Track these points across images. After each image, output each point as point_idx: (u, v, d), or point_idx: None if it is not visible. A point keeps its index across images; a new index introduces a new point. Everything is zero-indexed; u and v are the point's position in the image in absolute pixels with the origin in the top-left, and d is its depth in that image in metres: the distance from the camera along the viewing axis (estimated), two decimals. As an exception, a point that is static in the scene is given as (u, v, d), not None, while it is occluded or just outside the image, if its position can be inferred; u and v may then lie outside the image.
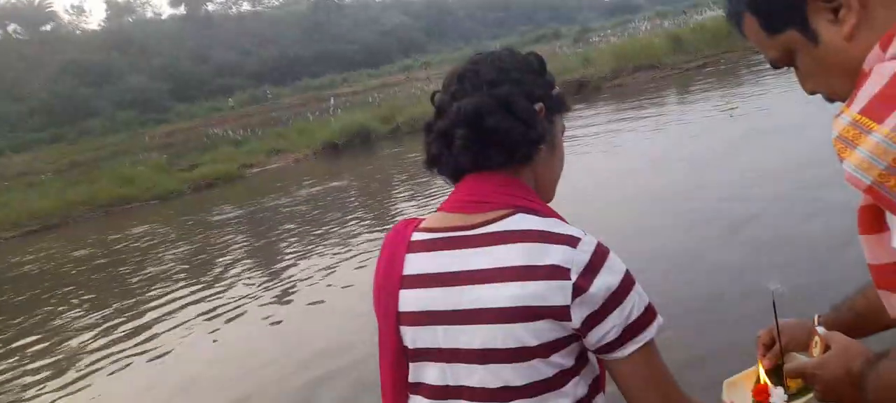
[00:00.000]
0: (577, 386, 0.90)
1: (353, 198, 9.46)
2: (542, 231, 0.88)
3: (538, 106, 0.96)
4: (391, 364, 0.98)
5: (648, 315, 0.87)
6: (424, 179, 9.18)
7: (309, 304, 5.11)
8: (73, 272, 8.10)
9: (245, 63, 49.16)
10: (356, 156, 14.38)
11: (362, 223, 7.48)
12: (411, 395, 0.97)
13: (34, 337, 5.63)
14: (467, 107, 0.93)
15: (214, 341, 4.71)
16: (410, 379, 0.97)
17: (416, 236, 0.98)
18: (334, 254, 6.17)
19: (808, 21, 0.73)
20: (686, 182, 5.94)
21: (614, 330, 0.85)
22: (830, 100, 0.77)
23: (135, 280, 7.02)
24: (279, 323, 4.82)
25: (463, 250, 0.92)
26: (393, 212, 7.74)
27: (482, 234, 0.91)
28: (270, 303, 5.22)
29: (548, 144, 0.98)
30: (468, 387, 0.90)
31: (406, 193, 8.65)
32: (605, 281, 0.85)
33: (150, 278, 6.91)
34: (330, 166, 13.79)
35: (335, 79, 39.27)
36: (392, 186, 9.57)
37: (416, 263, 0.95)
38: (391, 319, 0.96)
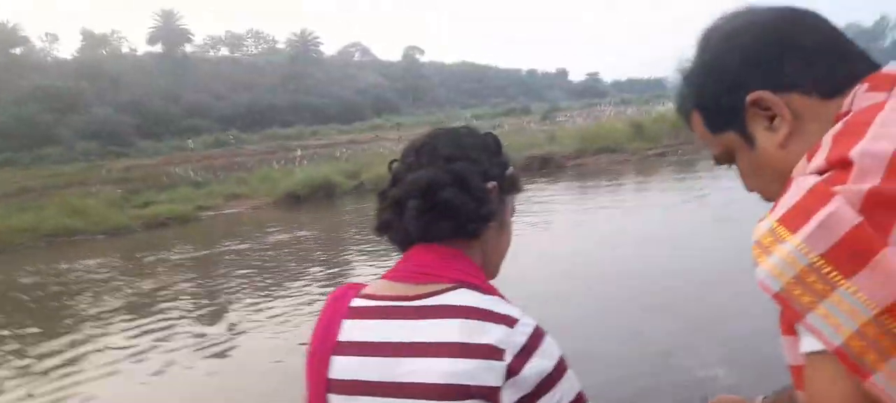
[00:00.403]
0: None
1: (305, 251, 9.35)
2: (482, 309, 0.88)
3: (491, 184, 0.99)
4: None
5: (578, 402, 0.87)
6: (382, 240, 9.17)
7: (244, 355, 4.97)
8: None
9: (216, 106, 48.95)
10: (318, 208, 14.30)
11: (314, 278, 7.37)
12: None
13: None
14: (422, 178, 0.95)
15: (142, 384, 4.52)
16: None
17: (357, 302, 0.97)
18: (271, 308, 6.04)
19: (746, 125, 0.77)
20: (628, 260, 6.06)
21: None
22: (767, 200, 0.79)
23: (68, 314, 6.74)
24: (213, 374, 4.66)
25: (402, 321, 0.91)
26: (347, 270, 7.67)
27: (423, 306, 0.91)
28: (208, 351, 5.05)
29: (497, 222, 1.00)
30: None
31: (363, 251, 8.60)
32: (539, 364, 0.85)
33: (84, 315, 6.64)
34: (288, 216, 13.66)
35: (304, 131, 39.26)
36: (350, 242, 9.50)
37: (352, 330, 0.94)
38: (321, 386, 0.93)
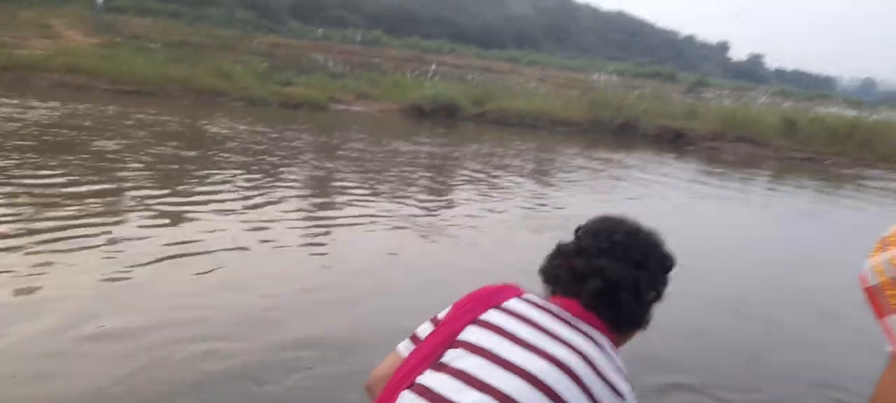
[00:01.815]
0: None
1: (413, 169, 9.59)
2: (615, 364, 1.08)
3: (653, 297, 1.19)
4: (429, 351, 1.07)
5: None
6: (496, 175, 9.21)
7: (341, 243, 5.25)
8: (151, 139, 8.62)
9: (365, 3, 50.10)
10: (438, 126, 14.52)
11: (412, 198, 7.59)
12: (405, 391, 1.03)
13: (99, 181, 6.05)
14: (613, 274, 1.13)
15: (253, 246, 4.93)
16: (419, 380, 1.03)
17: (525, 298, 1.15)
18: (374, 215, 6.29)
19: None
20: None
21: None
22: None
23: (199, 168, 7.40)
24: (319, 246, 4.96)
25: (555, 324, 1.09)
26: (449, 195, 7.83)
27: (574, 325, 1.10)
28: (311, 231, 5.39)
29: (642, 326, 1.20)
30: None
31: (470, 183, 8.70)
32: None
33: (214, 174, 7.26)
34: (410, 127, 14.00)
35: (443, 46, 39.47)
36: (458, 171, 9.63)
37: (514, 308, 1.11)
38: (463, 321, 1.09)
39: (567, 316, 1.11)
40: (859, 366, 3.59)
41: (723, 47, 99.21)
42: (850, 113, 22.57)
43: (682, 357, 3.65)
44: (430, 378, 1.01)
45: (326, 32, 36.81)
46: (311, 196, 6.78)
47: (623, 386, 1.04)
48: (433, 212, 6.53)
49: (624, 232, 1.19)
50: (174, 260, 4.32)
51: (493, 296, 1.13)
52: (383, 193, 7.16)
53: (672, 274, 1.23)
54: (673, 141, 15.88)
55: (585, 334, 1.08)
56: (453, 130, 14.25)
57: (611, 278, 1.13)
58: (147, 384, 2.81)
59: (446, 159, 10.20)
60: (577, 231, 1.25)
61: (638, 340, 1.24)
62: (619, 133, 16.35)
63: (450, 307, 1.16)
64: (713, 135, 16.20)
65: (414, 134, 12.74)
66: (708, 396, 3.26)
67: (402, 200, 6.89)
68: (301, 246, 4.97)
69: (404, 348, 1.15)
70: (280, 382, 2.94)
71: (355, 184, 7.39)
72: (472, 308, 1.11)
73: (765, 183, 11.88)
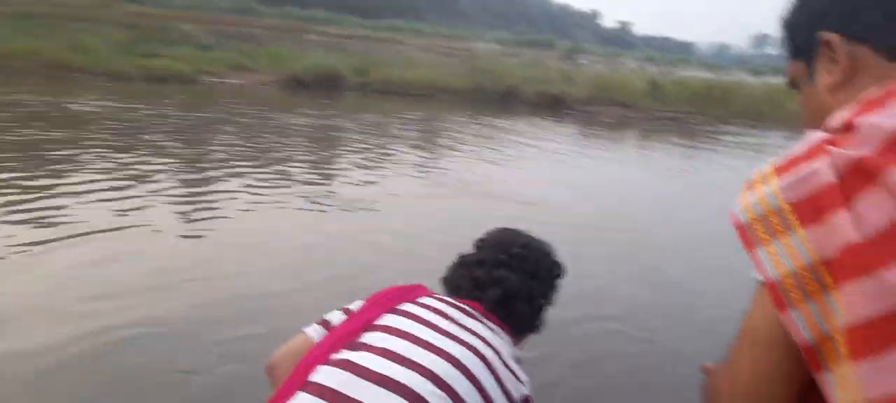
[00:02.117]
0: None
1: (294, 142, 9.27)
2: (515, 358, 1.19)
3: (544, 304, 1.32)
4: (332, 343, 1.09)
5: None
6: (379, 146, 9.10)
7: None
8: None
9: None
10: (320, 97, 14.12)
11: (298, 169, 7.33)
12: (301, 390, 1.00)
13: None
14: (511, 285, 1.26)
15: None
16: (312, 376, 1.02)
17: (436, 296, 1.24)
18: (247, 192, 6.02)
19: (814, 61, 0.83)
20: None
21: None
22: None
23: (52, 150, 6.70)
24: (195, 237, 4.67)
25: (465, 318, 1.18)
26: (336, 168, 7.64)
27: (481, 321, 1.20)
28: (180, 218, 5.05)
29: (535, 331, 1.34)
30: None
31: (350, 157, 8.53)
32: None
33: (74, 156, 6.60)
34: (290, 98, 13.50)
35: (320, 16, 38.29)
36: (340, 143, 9.42)
37: (428, 302, 1.19)
38: (380, 310, 1.14)
39: (475, 313, 1.20)
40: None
41: (594, 15, 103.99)
42: (708, 75, 24.51)
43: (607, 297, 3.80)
44: (351, 355, 1.03)
45: (194, 1, 34.50)
46: (193, 174, 6.35)
47: (523, 376, 1.15)
48: (329, 185, 6.34)
49: (520, 245, 1.31)
50: (46, 246, 3.91)
51: (409, 293, 1.22)
52: (275, 169, 6.85)
53: (560, 282, 1.35)
54: (552, 106, 16.47)
55: (491, 329, 1.19)
56: (337, 101, 13.91)
57: (509, 288, 1.24)
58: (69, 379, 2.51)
59: (338, 131, 9.95)
60: (477, 242, 1.36)
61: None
62: (502, 100, 16.71)
63: (362, 301, 1.22)
64: (588, 99, 16.98)
65: (296, 105, 12.31)
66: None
67: (294, 176, 6.63)
68: (183, 230, 4.64)
69: (314, 332, 1.20)
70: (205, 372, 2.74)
71: (244, 160, 7.01)
72: (388, 300, 1.19)
73: (634, 142, 12.66)
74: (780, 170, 0.71)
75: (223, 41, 19.69)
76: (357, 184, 6.45)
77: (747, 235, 0.71)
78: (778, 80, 18.43)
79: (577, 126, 13.88)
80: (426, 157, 8.44)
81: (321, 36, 23.81)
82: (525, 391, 1.13)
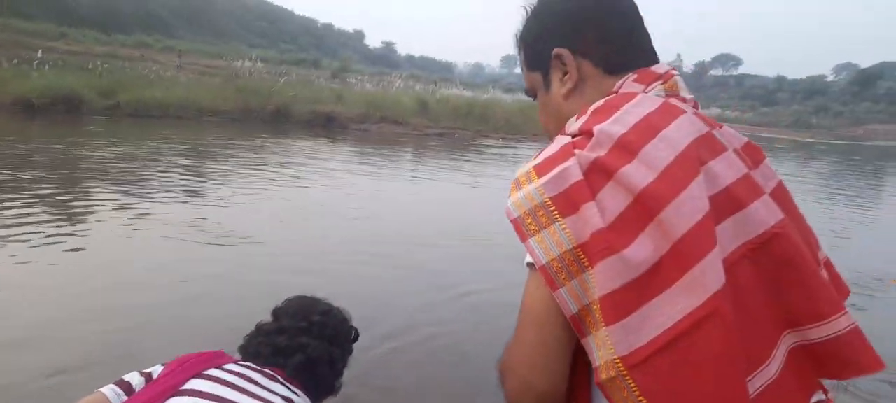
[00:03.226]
0: None
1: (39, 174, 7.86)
2: None
3: (342, 367, 1.40)
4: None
5: None
6: (144, 178, 8.14)
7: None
8: None
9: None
10: (56, 124, 12.22)
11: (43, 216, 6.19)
12: None
13: None
14: (314, 351, 1.30)
15: None
16: None
17: (240, 362, 1.27)
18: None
19: (549, 72, 0.97)
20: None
21: None
22: (549, 137, 0.95)
23: None
24: None
25: (270, 382, 1.23)
26: (90, 208, 6.59)
27: (285, 384, 1.24)
28: None
29: (333, 392, 1.40)
30: None
31: (116, 182, 7.46)
32: None
33: None
34: (22, 126, 11.46)
35: (50, 30, 33.24)
36: (88, 172, 8.20)
37: (233, 368, 1.22)
38: (186, 375, 1.16)
39: (278, 378, 1.25)
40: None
41: (360, 35, 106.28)
42: (467, 93, 26.44)
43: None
44: None
45: None
46: None
47: None
48: (66, 231, 5.40)
49: (319, 313, 1.38)
50: None
51: (214, 359, 1.23)
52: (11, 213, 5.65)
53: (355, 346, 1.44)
54: (324, 125, 16.36)
55: (294, 393, 1.24)
56: (79, 127, 12.15)
57: (312, 354, 1.29)
58: None
59: (86, 163, 8.62)
60: (274, 310, 1.39)
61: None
62: (272, 120, 16.14)
63: (160, 366, 1.23)
64: (360, 117, 17.21)
65: (30, 136, 10.48)
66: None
67: (30, 223, 5.54)
68: None
69: (112, 392, 1.17)
70: None
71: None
72: (192, 365, 1.19)
73: (410, 156, 13.08)
74: (539, 170, 0.82)
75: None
76: (107, 229, 5.63)
77: (521, 228, 0.81)
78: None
79: (351, 144, 13.92)
80: (195, 188, 7.72)
81: (52, 53, 20.66)
82: None
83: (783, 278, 0.78)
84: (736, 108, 70.56)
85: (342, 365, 1.41)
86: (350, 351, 1.45)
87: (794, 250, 0.79)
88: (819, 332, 0.79)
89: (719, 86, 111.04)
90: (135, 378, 1.22)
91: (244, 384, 1.17)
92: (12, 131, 10.84)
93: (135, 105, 14.77)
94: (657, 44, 0.97)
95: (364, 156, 12.25)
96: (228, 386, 1.14)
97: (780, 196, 0.86)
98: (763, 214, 0.79)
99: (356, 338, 1.47)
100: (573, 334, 0.79)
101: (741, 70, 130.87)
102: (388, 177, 10.12)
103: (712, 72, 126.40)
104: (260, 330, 1.37)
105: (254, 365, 1.26)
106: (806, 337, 0.80)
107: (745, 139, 0.91)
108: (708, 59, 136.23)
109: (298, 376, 1.28)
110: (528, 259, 0.81)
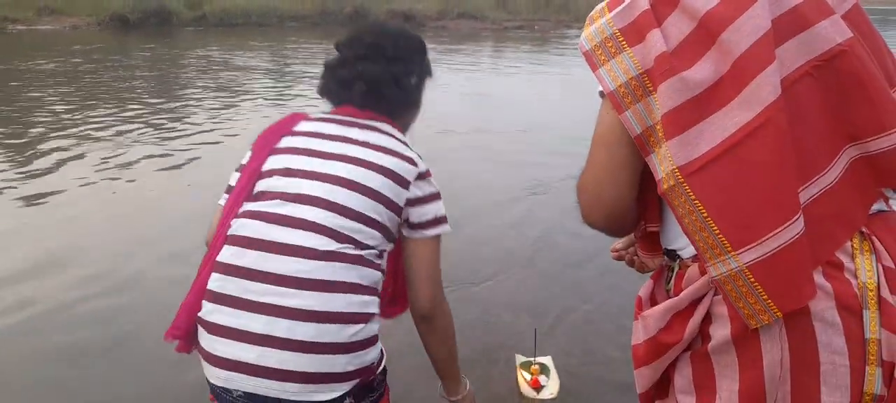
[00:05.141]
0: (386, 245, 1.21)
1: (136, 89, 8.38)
2: (401, 139, 1.26)
3: (414, 80, 1.32)
4: (245, 184, 1.20)
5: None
6: (234, 89, 8.51)
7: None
8: None
9: None
10: (150, 37, 12.80)
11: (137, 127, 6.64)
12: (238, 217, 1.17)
13: None
14: (370, 74, 1.25)
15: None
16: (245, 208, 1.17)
17: (310, 117, 1.29)
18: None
19: None
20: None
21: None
22: None
23: None
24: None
25: (350, 128, 1.24)
26: (179, 119, 7.02)
27: (358, 124, 1.25)
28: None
29: (415, 106, 1.37)
30: (309, 220, 1.12)
31: (202, 95, 7.86)
32: (427, 186, 1.23)
33: None
34: (120, 41, 12.11)
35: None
36: (188, 85, 8.65)
37: (304, 128, 1.25)
38: (262, 156, 1.21)
39: (349, 119, 1.25)
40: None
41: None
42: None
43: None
44: (248, 206, 1.17)
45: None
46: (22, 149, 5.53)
47: (411, 154, 1.22)
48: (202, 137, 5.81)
49: (373, 35, 1.31)
50: None
51: (283, 126, 1.26)
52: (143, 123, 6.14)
53: (428, 50, 1.37)
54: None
55: (369, 127, 1.24)
56: (174, 39, 12.70)
57: (371, 78, 1.25)
58: None
59: (203, 71, 9.08)
60: (335, 44, 1.34)
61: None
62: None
63: (249, 152, 1.26)
64: (438, 14, 16.95)
65: (130, 48, 11.08)
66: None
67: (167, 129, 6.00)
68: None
69: (223, 200, 1.24)
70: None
71: (97, 116, 6.21)
72: (265, 143, 1.23)
73: (490, 51, 12.88)
74: (611, 5, 0.87)
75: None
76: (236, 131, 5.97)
77: (592, 59, 0.87)
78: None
79: (430, 42, 13.83)
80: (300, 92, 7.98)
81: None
82: (420, 168, 1.21)
83: (848, 93, 0.82)
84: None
85: (415, 80, 1.33)
86: (418, 62, 1.34)
87: (860, 65, 0.81)
88: (879, 143, 0.82)
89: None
90: (234, 178, 1.26)
91: (318, 143, 1.21)
92: (117, 46, 11.45)
93: (220, 14, 15.18)
94: None
95: (446, 53, 12.16)
96: (303, 154, 1.20)
97: (855, 17, 0.87)
98: (830, 32, 0.81)
99: (421, 46, 1.38)
100: (638, 156, 0.86)
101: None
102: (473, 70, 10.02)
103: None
104: (326, 67, 1.33)
105: (323, 116, 1.28)
106: (867, 150, 0.83)
107: None
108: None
109: (366, 105, 1.26)
110: (599, 88, 0.87)
